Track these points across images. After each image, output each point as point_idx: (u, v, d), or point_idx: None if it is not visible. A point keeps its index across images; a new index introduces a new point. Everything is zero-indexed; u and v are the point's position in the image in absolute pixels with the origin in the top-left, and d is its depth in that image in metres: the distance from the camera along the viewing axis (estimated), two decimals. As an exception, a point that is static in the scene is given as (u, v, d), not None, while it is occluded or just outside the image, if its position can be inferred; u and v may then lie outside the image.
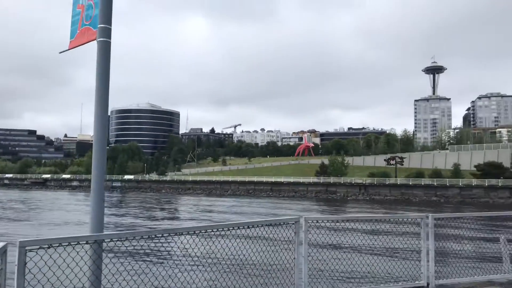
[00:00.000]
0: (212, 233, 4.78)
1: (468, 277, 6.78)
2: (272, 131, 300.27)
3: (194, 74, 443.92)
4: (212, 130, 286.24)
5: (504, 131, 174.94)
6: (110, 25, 4.72)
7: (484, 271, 7.01)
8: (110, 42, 4.70)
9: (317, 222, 5.77)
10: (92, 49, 4.84)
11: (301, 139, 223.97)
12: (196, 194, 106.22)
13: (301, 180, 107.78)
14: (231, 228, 5.01)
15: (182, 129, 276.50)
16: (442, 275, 6.63)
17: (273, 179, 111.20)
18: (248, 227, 5.15)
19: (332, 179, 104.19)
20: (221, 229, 4.92)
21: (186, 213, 58.09)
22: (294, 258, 5.52)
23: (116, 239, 4.11)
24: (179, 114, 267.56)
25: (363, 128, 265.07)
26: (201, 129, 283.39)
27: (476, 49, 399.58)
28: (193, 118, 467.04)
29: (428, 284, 6.20)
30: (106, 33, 4.68)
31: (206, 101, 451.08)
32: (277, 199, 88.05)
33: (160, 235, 4.54)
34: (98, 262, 4.10)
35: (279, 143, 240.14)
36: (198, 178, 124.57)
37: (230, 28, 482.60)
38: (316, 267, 5.84)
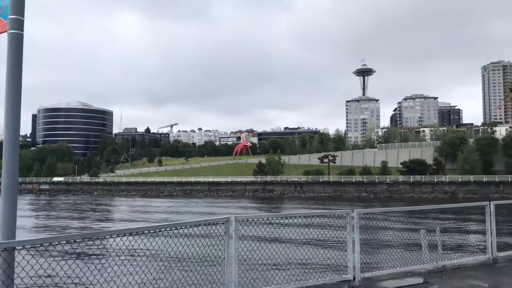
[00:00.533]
0: (143, 234, 4.62)
1: (391, 268, 7.12)
2: (209, 131, 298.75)
3: (128, 72, 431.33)
4: (148, 130, 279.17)
5: (427, 130, 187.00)
6: (23, 16, 4.39)
7: (406, 263, 7.39)
8: (22, 35, 4.38)
9: (248, 221, 5.77)
10: (3, 42, 4.49)
11: (239, 138, 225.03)
12: (131, 196, 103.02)
13: (239, 179, 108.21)
14: (159, 230, 4.86)
15: (116, 129, 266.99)
16: (367, 268, 6.90)
17: (210, 179, 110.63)
18: (176, 229, 5.03)
19: (269, 178, 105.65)
20: (147, 231, 4.76)
21: (118, 214, 56.18)
22: (224, 258, 5.49)
23: (30, 246, 3.83)
24: (112, 113, 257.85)
25: (299, 127, 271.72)
26: (136, 128, 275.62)
27: (402, 53, 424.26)
28: (128, 118, 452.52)
29: (354, 278, 6.43)
30: (18, 24, 4.35)
31: (141, 100, 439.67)
32: (215, 199, 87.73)
33: (81, 240, 4.31)
34: (9, 271, 3.79)
35: (217, 143, 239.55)
36: (133, 179, 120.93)
37: (166, 25, 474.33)
38: (246, 265, 5.84)
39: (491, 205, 8.12)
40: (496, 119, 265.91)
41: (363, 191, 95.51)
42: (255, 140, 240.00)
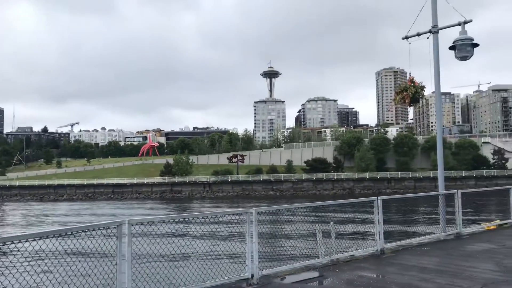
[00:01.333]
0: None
1: (289, 264, 7.33)
2: (114, 130, 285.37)
3: (23, 67, 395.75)
4: (45, 129, 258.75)
5: (328, 130, 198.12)
6: None
7: (304, 258, 7.66)
8: None
9: (142, 224, 5.54)
10: None
11: (145, 138, 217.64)
12: (25, 200, 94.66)
13: (145, 181, 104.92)
14: (42, 237, 4.46)
15: (7, 128, 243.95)
16: (267, 265, 7.03)
17: (115, 181, 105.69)
18: (60, 235, 4.65)
19: (177, 179, 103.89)
20: (30, 239, 4.35)
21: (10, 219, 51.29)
22: (116, 264, 5.21)
23: None
24: (3, 111, 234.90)
25: (208, 127, 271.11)
26: (31, 128, 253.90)
27: (306, 57, 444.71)
28: (21, 116, 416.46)
29: (252, 276, 6.50)
30: None
31: (37, 97, 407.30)
32: (119, 202, 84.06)
33: None
34: None
35: (122, 143, 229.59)
36: (27, 182, 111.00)
37: (66, 19, 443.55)
38: (141, 269, 5.60)
39: (379, 200, 8.75)
40: (388, 120, 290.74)
41: (270, 189, 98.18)
42: (162, 140, 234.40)
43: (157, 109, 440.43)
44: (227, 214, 6.80)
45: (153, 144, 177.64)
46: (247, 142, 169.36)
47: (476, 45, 10.53)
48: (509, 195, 12.85)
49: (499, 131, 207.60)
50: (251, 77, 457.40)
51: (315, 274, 7.23)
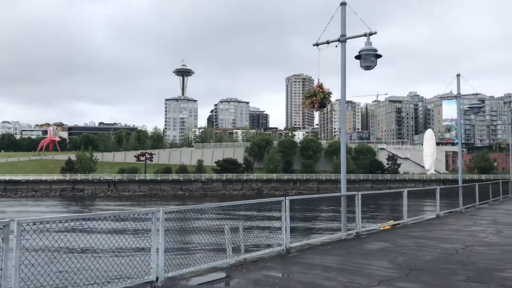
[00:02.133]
0: None
1: (196, 266, 7.15)
2: (9, 122, 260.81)
3: None
4: None
5: (239, 132, 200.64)
6: None
7: (211, 259, 7.52)
8: None
9: (34, 224, 5.00)
10: None
11: (45, 132, 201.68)
12: None
13: (44, 177, 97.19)
14: None
15: None
16: (173, 267, 6.79)
17: (7, 177, 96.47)
18: None
19: (79, 176, 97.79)
20: None
21: None
22: (1, 269, 4.64)
23: None
24: None
25: (115, 123, 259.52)
26: None
27: (220, 58, 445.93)
28: None
29: (157, 278, 6.22)
30: None
31: None
32: (13, 200, 76.92)
33: None
34: None
35: (18, 136, 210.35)
36: None
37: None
38: (31, 277, 5.06)
39: (286, 201, 8.93)
40: (296, 124, 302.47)
41: (179, 189, 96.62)
42: (65, 135, 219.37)
43: (59, 101, 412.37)
44: (131, 214, 6.44)
45: (54, 139, 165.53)
46: (157, 140, 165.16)
47: (379, 56, 11.26)
48: (402, 197, 13.94)
49: (393, 139, 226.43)
50: (163, 75, 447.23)
51: (222, 275, 7.15)
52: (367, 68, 11.25)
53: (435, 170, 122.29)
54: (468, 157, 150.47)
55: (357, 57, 11.46)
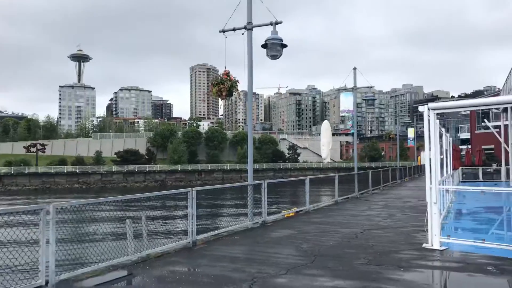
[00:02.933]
0: None
1: (94, 264, 6.55)
2: None
3: None
4: None
5: (141, 121, 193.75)
6: None
7: (111, 256, 6.93)
8: None
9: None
10: None
11: None
12: None
13: None
14: None
15: None
16: (67, 268, 6.12)
17: None
18: None
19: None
20: None
21: None
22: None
23: None
24: None
25: (0, 111, 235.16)
26: None
27: (120, 45, 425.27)
28: None
29: (47, 282, 5.54)
30: None
31: None
32: None
33: None
34: None
35: None
36: None
37: None
38: None
39: (193, 192, 8.60)
40: (200, 115, 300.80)
41: (75, 182, 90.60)
42: None
43: None
44: (16, 211, 5.62)
45: None
46: (50, 130, 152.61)
47: (285, 45, 11.35)
48: (304, 185, 14.37)
49: (293, 130, 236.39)
50: (57, 60, 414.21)
51: (123, 273, 6.63)
52: (273, 57, 11.29)
53: (331, 159, 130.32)
54: (359, 147, 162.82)
55: (264, 46, 11.43)
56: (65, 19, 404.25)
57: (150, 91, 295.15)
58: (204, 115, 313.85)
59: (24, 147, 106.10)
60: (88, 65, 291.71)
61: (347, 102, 21.88)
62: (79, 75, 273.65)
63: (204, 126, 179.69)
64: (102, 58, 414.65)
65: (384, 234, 9.93)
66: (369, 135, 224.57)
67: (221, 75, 11.31)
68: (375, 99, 23.44)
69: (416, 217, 12.84)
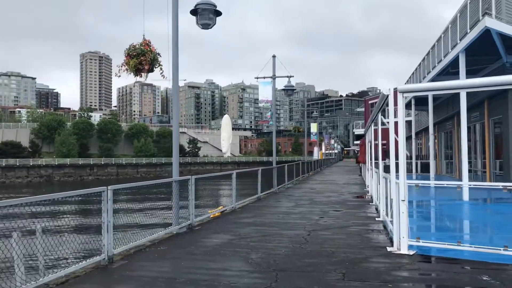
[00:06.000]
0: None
1: None
2: None
3: None
4: None
5: (23, 111, 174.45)
6: None
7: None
8: None
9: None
10: None
11: None
12: None
13: None
14: None
15: None
16: None
17: None
18: None
19: None
20: None
21: None
22: None
23: None
24: None
25: None
26: None
27: (1, 27, 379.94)
28: None
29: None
30: None
31: None
32: None
33: None
34: None
35: None
36: None
37: None
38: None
39: (109, 191, 6.45)
40: (92, 105, 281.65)
41: None
42: None
43: None
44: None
45: None
46: None
47: (219, 13, 9.54)
48: (231, 179, 12.74)
49: (192, 123, 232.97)
50: None
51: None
52: (205, 26, 9.43)
53: (231, 153, 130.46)
54: (257, 141, 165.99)
55: (193, 13, 9.49)
56: None
57: (34, 78, 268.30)
58: (95, 105, 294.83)
59: None
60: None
61: (265, 92, 20.68)
62: None
63: (95, 117, 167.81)
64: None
65: (334, 236, 8.69)
66: (266, 131, 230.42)
67: (140, 45, 9.04)
68: (295, 89, 22.65)
69: (352, 214, 11.97)
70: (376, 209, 12.82)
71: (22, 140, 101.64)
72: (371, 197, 16.11)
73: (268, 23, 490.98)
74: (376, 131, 12.50)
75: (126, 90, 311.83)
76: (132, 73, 9.29)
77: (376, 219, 10.81)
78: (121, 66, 9.23)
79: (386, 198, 9.41)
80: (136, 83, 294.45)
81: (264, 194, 16.63)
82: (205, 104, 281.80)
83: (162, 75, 9.58)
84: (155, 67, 9.34)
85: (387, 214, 9.27)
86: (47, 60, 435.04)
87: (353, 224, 10.13)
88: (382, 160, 11.59)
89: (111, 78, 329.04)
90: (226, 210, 12.58)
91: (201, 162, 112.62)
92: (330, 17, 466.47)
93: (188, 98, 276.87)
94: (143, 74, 9.32)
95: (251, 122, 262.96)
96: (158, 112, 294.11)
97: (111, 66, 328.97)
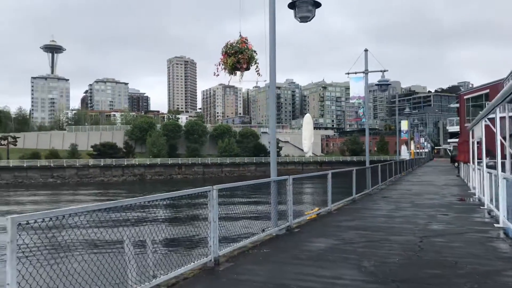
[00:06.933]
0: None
1: None
2: None
3: None
4: None
5: (118, 114, 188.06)
6: None
7: None
8: None
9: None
10: None
11: None
12: None
13: None
14: None
15: None
16: None
17: None
18: None
19: None
20: None
21: None
22: None
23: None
24: None
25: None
26: None
27: (95, 36, 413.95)
28: None
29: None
30: None
31: None
32: None
33: None
34: None
35: None
36: None
37: None
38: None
39: (214, 191, 6.29)
40: (178, 108, 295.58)
41: (49, 177, 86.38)
42: None
43: None
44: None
45: None
46: (22, 122, 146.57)
47: (319, 4, 9.08)
48: (326, 180, 12.20)
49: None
50: (30, 51, 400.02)
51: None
52: (304, 19, 9.01)
53: (312, 153, 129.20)
54: (340, 141, 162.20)
55: (291, 6, 9.13)
56: (38, 10, 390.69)
57: (126, 84, 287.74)
58: (182, 108, 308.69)
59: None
60: (61, 57, 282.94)
61: (357, 88, 19.74)
62: (52, 67, 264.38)
63: (182, 119, 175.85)
64: (76, 50, 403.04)
65: (451, 244, 7.81)
66: (348, 129, 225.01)
67: (237, 43, 8.85)
68: (390, 84, 21.45)
69: (464, 219, 10.84)
70: (489, 213, 11.54)
71: (117, 141, 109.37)
72: (479, 200, 14.66)
73: (344, 18, 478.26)
74: (488, 127, 11.24)
75: (210, 93, 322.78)
76: (227, 72, 9.16)
77: (495, 225, 9.64)
78: (218, 65, 9.11)
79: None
80: (220, 85, 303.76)
81: (358, 195, 15.83)
82: (286, 103, 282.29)
83: (257, 73, 9.33)
84: (251, 65, 9.11)
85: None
86: (137, 66, 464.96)
87: (469, 231, 9.10)
88: (494, 159, 10.34)
89: (196, 81, 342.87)
90: (321, 212, 12.07)
91: (282, 161, 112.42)
92: (409, 9, 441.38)
93: (269, 99, 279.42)
94: (237, 72, 9.13)
95: (332, 121, 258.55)
96: (240, 113, 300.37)
97: (195, 70, 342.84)
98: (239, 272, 5.99)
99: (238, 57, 8.63)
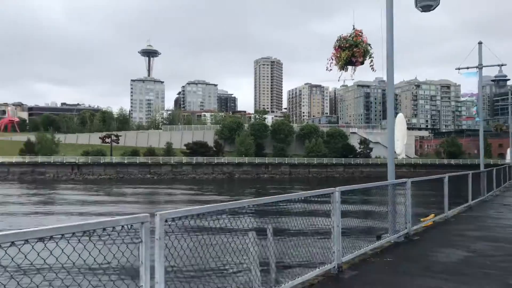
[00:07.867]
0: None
1: None
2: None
3: None
4: None
5: (208, 115, 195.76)
6: None
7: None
8: None
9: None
10: None
11: (4, 112, 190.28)
12: None
13: (0, 159, 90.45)
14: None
15: None
16: None
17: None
18: None
19: (40, 158, 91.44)
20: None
21: None
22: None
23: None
24: None
25: (78, 104, 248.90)
26: None
27: (187, 39, 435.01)
28: None
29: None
30: None
31: None
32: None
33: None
34: None
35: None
36: None
37: None
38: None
39: (336, 193, 5.88)
40: (264, 108, 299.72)
41: (147, 173, 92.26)
42: (25, 115, 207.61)
43: (16, 81, 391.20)
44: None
45: (13, 119, 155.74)
46: (123, 122, 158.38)
47: (446, -8, 8.28)
48: (443, 184, 11.18)
49: (361, 123, 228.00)
50: (128, 55, 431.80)
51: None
52: (426, 8, 8.27)
53: (406, 155, 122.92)
54: (435, 142, 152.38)
55: (413, -6, 8.44)
56: (136, 15, 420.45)
57: (216, 85, 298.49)
58: (267, 108, 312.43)
59: (100, 137, 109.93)
60: (157, 60, 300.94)
61: (469, 85, 18.08)
62: (149, 70, 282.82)
63: (268, 119, 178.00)
64: (169, 53, 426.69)
65: None
66: (444, 130, 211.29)
67: (350, 36, 8.35)
68: (509, 79, 19.41)
69: None
70: None
71: (208, 140, 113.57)
72: None
73: (438, 12, 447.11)
74: None
75: (295, 92, 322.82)
76: (339, 68, 8.69)
77: None
78: (331, 60, 8.68)
79: None
80: (305, 85, 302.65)
81: (474, 202, 14.39)
82: (375, 103, 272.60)
83: (371, 68, 8.76)
84: (365, 59, 8.55)
85: None
86: (226, 68, 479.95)
87: None
88: None
89: (281, 81, 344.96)
90: (435, 219, 11.07)
91: (373, 163, 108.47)
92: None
93: (357, 98, 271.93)
94: (349, 67, 8.63)
95: (426, 121, 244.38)
96: (327, 113, 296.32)
97: (281, 70, 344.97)
98: (367, 281, 5.51)
99: (353, 51, 8.12)
